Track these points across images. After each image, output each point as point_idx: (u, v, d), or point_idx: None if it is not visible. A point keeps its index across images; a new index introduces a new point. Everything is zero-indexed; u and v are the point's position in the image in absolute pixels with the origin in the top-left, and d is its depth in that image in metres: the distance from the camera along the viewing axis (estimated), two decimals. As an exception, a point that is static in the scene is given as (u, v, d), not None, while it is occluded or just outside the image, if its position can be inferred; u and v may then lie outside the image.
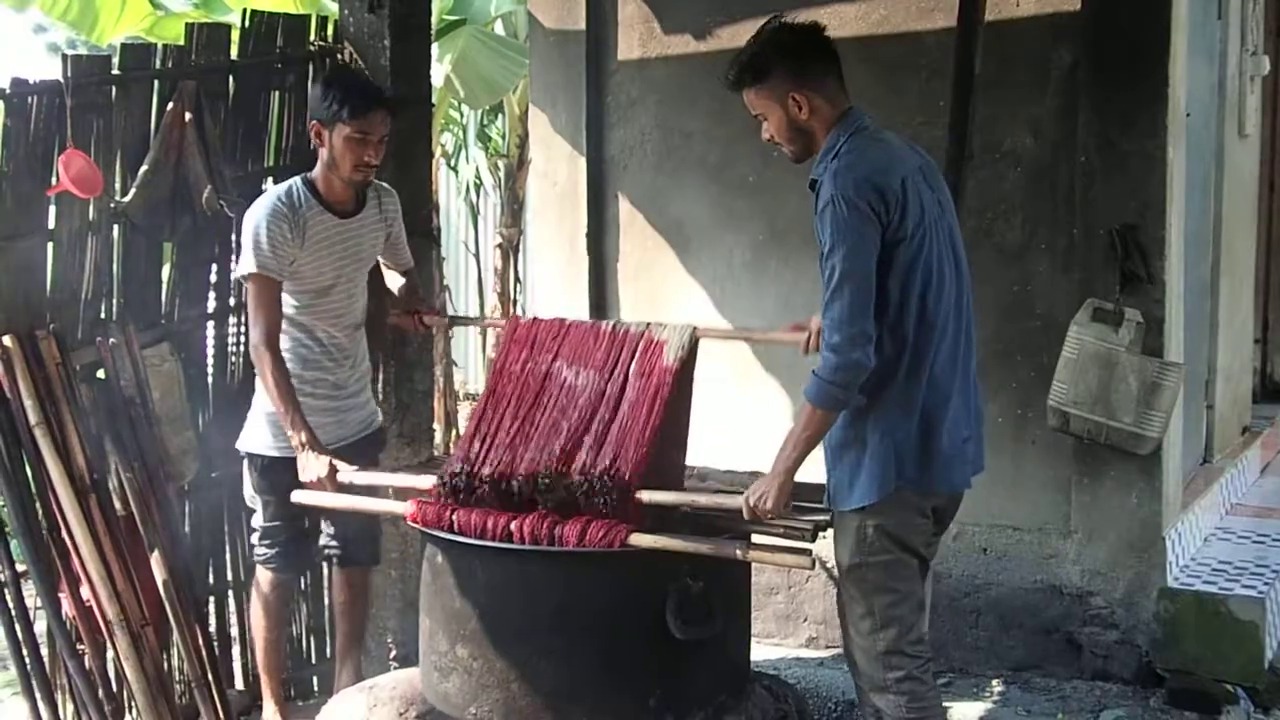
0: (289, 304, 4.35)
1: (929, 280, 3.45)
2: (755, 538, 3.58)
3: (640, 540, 3.53)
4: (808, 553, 3.42)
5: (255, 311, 4.25)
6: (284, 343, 4.34)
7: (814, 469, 3.59)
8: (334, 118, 4.18)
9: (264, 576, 4.56)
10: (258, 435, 4.45)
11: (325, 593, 5.14)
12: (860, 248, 3.33)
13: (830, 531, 3.69)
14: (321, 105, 4.22)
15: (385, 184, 4.62)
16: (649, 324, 3.96)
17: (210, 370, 4.91)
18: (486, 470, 3.74)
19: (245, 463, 4.52)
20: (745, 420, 5.58)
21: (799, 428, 3.47)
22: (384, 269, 4.71)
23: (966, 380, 3.60)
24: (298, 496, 4.20)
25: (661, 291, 5.99)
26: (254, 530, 4.56)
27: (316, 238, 4.31)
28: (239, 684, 5.04)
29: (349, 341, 4.49)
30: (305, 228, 4.27)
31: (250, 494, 4.55)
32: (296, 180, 4.37)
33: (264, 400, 4.41)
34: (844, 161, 3.42)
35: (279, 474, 4.39)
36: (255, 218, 4.25)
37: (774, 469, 3.48)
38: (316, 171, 4.35)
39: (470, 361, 12.69)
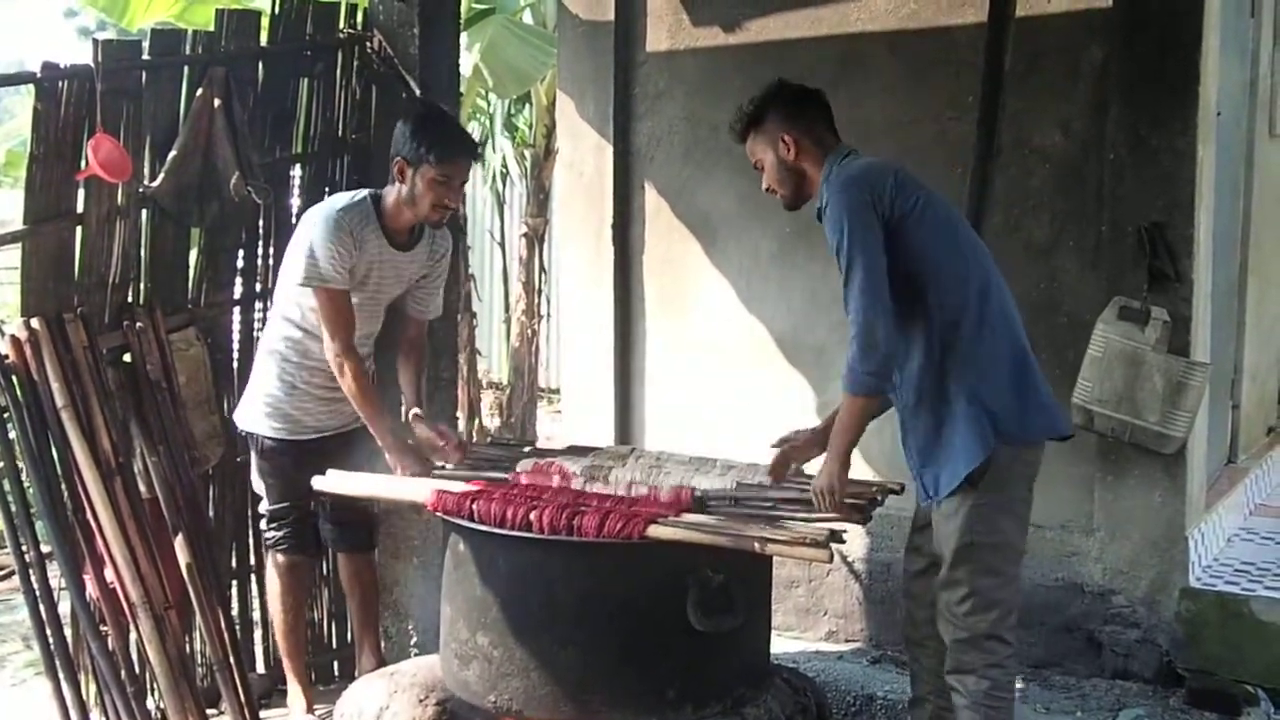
0: (305, 299, 4.31)
1: (952, 236, 3.65)
2: (783, 530, 3.57)
3: (659, 532, 3.53)
4: (827, 547, 3.41)
5: (331, 321, 4.20)
6: (291, 329, 4.36)
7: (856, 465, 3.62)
8: (420, 159, 4.17)
9: (275, 560, 4.60)
10: (254, 416, 4.47)
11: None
12: (864, 233, 3.52)
13: (853, 529, 3.72)
14: (409, 145, 4.19)
15: (444, 231, 4.57)
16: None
17: (236, 355, 4.93)
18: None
19: (250, 445, 4.55)
20: (768, 410, 5.58)
21: (844, 416, 3.65)
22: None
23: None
24: (319, 484, 4.22)
25: (687, 283, 5.99)
26: (262, 515, 4.60)
27: (368, 258, 4.30)
28: (260, 668, 5.08)
29: (358, 345, 4.43)
30: (362, 244, 4.25)
31: (255, 478, 4.58)
32: (366, 196, 4.33)
33: (262, 382, 4.45)
34: (836, 174, 3.67)
35: (279, 456, 4.44)
36: (316, 232, 4.20)
37: (829, 459, 3.65)
38: (389, 198, 4.31)
39: (493, 350, 12.72)
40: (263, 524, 4.61)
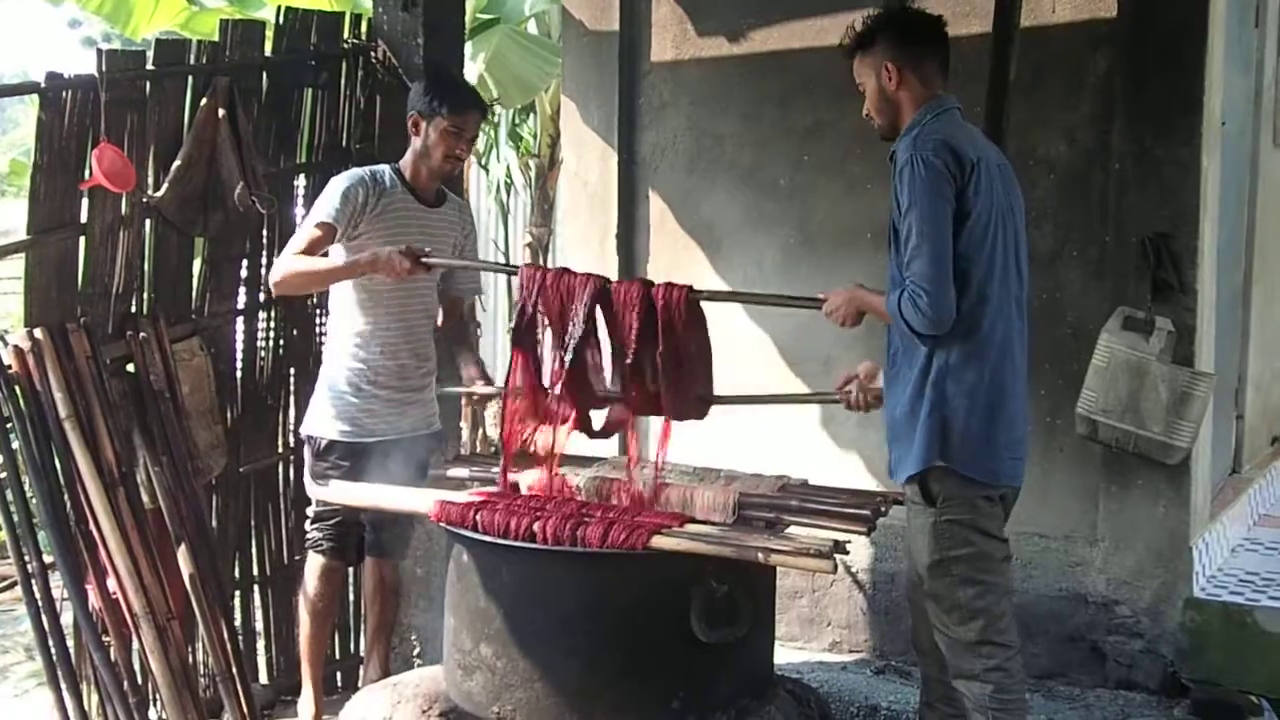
0: (361, 288, 4.40)
1: (993, 265, 3.55)
2: (786, 541, 3.57)
3: (662, 542, 3.52)
4: (830, 557, 3.40)
5: (293, 242, 4.29)
6: (351, 325, 4.42)
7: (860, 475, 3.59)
8: (433, 112, 4.41)
9: (312, 562, 4.60)
10: (318, 418, 4.50)
11: (351, 589, 5.16)
12: (937, 206, 3.46)
13: (857, 540, 3.72)
14: (423, 100, 4.43)
15: (464, 201, 4.78)
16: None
17: (239, 365, 4.93)
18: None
19: (306, 447, 4.57)
20: (773, 421, 5.57)
21: (877, 303, 3.64)
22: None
23: (1023, 381, 3.69)
24: (316, 492, 4.23)
25: (690, 293, 5.98)
26: (307, 517, 4.61)
27: (396, 216, 4.42)
28: (263, 678, 5.07)
29: (417, 331, 4.53)
30: (386, 203, 4.39)
31: (308, 480, 4.59)
32: (386, 165, 4.52)
33: (326, 381, 4.49)
34: (924, 130, 3.57)
35: (335, 456, 4.44)
36: (338, 179, 4.39)
37: (853, 299, 3.71)
38: (406, 160, 4.51)
39: (497, 360, 12.70)
40: (307, 524, 4.62)
